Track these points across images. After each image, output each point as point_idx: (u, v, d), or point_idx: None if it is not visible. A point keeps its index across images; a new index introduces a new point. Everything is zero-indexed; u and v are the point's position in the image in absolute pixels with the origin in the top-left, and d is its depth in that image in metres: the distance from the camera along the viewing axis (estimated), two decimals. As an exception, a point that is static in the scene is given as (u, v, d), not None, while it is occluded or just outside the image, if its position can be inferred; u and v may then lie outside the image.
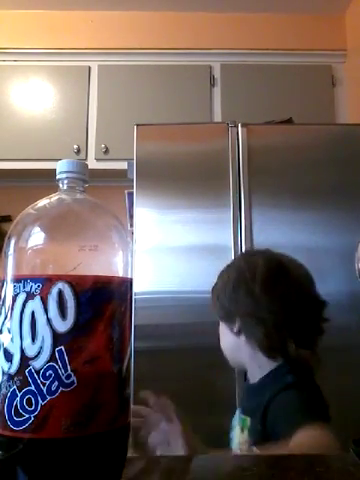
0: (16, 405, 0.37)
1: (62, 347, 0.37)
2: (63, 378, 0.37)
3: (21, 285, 0.39)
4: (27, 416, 0.37)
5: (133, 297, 0.45)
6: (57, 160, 0.47)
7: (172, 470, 0.45)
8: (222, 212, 1.58)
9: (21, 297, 0.39)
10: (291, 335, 0.80)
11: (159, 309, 1.55)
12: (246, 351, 0.84)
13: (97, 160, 2.19)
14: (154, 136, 1.68)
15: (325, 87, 2.31)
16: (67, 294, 0.38)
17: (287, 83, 2.29)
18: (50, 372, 0.37)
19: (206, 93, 2.28)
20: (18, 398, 0.37)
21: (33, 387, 0.37)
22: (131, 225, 1.68)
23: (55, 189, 0.46)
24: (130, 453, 0.42)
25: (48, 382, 0.37)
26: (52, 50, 2.32)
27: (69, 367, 0.37)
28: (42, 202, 0.44)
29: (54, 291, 0.38)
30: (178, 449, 0.65)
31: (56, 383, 0.37)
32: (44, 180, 1.25)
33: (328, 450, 0.65)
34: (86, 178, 0.46)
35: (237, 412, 0.93)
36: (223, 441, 1.11)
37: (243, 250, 1.54)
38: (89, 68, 2.30)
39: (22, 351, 0.38)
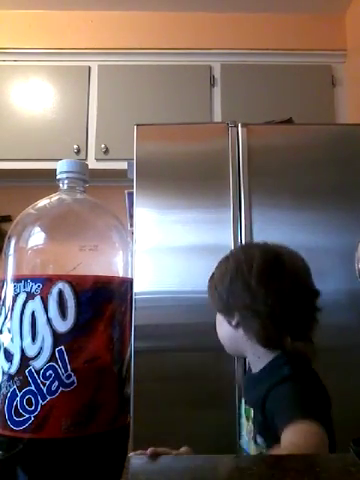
0: (16, 405, 0.37)
1: (62, 347, 0.37)
2: (63, 378, 0.37)
3: (21, 285, 0.39)
4: (27, 416, 0.37)
5: (133, 297, 0.45)
6: (57, 160, 0.47)
7: (172, 470, 0.45)
8: (222, 212, 1.58)
9: (21, 297, 0.39)
10: (287, 327, 0.81)
11: (159, 309, 1.55)
12: (245, 343, 0.85)
13: (97, 160, 2.19)
14: (154, 136, 1.68)
15: (325, 87, 2.30)
16: (67, 294, 0.38)
17: (287, 83, 2.29)
18: (50, 372, 0.37)
19: (206, 93, 2.28)
20: (18, 398, 0.37)
21: (33, 387, 0.37)
22: (131, 225, 1.68)
23: (55, 189, 0.46)
24: (130, 453, 0.42)
25: (48, 382, 0.37)
26: (52, 50, 2.32)
27: (69, 367, 0.37)
28: (42, 202, 0.44)
29: (54, 291, 0.38)
30: None
31: (56, 383, 0.37)
32: (44, 180, 1.25)
33: (315, 448, 0.65)
34: (86, 178, 0.46)
35: (242, 401, 0.94)
36: (223, 440, 1.11)
37: (238, 245, 1.54)
38: (89, 68, 2.30)
39: (22, 351, 0.38)
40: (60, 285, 0.38)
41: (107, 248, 0.43)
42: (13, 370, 0.38)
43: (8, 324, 0.39)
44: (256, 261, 0.84)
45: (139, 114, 2.17)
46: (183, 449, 0.80)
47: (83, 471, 0.37)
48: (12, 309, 0.39)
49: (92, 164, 2.08)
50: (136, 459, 0.48)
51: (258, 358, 0.86)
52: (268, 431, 0.75)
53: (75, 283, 0.39)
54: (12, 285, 0.40)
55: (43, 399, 0.37)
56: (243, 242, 1.56)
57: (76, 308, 0.38)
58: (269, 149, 1.66)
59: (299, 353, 0.81)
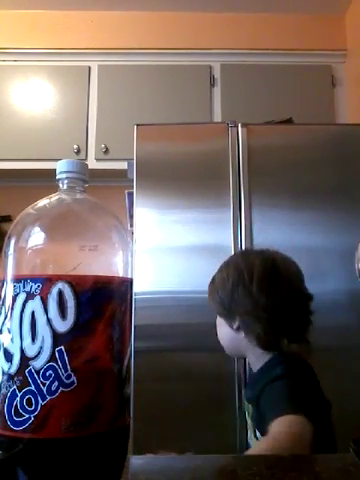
0: (16, 405, 0.37)
1: (62, 347, 0.37)
2: (63, 378, 0.37)
3: (21, 285, 0.39)
4: (27, 416, 0.37)
5: (133, 297, 0.45)
6: (57, 160, 0.47)
7: (172, 470, 0.45)
8: (222, 212, 1.58)
9: (21, 297, 0.39)
10: (284, 330, 0.86)
11: (159, 309, 1.55)
12: (245, 345, 0.90)
13: (97, 160, 2.19)
14: (154, 136, 1.68)
15: (325, 87, 2.30)
16: (67, 294, 0.38)
17: (287, 83, 2.29)
18: (50, 372, 0.37)
19: (206, 93, 2.28)
20: (18, 398, 0.37)
21: (33, 387, 0.37)
22: (131, 225, 1.68)
23: (55, 189, 0.46)
24: (130, 453, 0.42)
25: (48, 382, 0.37)
26: (52, 50, 2.32)
27: (69, 367, 0.37)
28: (42, 202, 0.44)
29: (54, 291, 0.38)
30: None
31: (56, 383, 0.37)
32: (44, 180, 1.25)
33: (298, 436, 0.69)
34: (86, 178, 0.46)
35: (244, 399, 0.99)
36: (223, 440, 1.11)
37: (237, 251, 1.54)
38: (89, 68, 2.30)
39: (22, 351, 0.38)
40: (60, 285, 0.38)
41: (107, 248, 0.43)
42: (13, 370, 0.38)
43: (8, 324, 0.39)
44: (256, 269, 0.88)
45: (139, 114, 2.17)
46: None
47: (83, 471, 0.37)
48: (12, 309, 0.39)
49: (92, 164, 2.08)
50: (136, 459, 0.48)
51: (257, 359, 0.90)
52: (264, 427, 0.78)
53: (75, 283, 0.39)
54: (12, 285, 0.40)
55: (43, 399, 0.37)
56: (243, 242, 1.56)
57: (76, 308, 0.38)
58: (269, 149, 1.66)
59: (294, 354, 0.87)
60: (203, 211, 1.60)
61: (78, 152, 2.18)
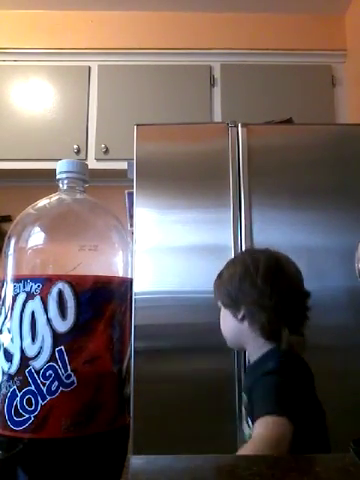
0: (16, 405, 0.37)
1: (62, 347, 0.37)
2: (63, 378, 0.37)
3: (21, 285, 0.39)
4: (27, 416, 0.37)
5: (133, 297, 0.45)
6: (57, 160, 0.47)
7: (172, 470, 0.45)
8: (222, 212, 1.58)
9: (21, 297, 0.39)
10: (286, 321, 0.92)
11: (159, 309, 1.55)
12: (247, 335, 0.95)
13: (97, 160, 2.19)
14: (154, 136, 1.68)
15: (325, 87, 2.31)
16: (67, 294, 0.38)
17: (287, 83, 2.29)
18: (50, 372, 0.37)
19: (206, 93, 2.28)
20: (18, 398, 0.37)
21: (33, 387, 0.37)
22: (131, 225, 1.68)
23: (55, 189, 0.46)
24: (130, 453, 0.42)
25: (48, 382, 0.37)
26: (52, 50, 2.32)
27: (69, 367, 0.37)
28: (42, 202, 0.44)
29: (54, 291, 0.38)
30: None
31: (56, 383, 0.37)
32: (44, 180, 1.25)
33: (276, 436, 0.73)
34: (86, 178, 0.46)
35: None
36: (223, 439, 1.11)
37: (243, 250, 1.55)
38: (89, 68, 2.30)
39: (22, 351, 0.38)
40: (60, 285, 0.38)
41: (107, 248, 0.43)
42: (13, 370, 0.38)
43: (8, 324, 0.39)
44: (262, 264, 0.96)
45: (139, 114, 2.17)
46: None
47: (83, 471, 0.37)
48: (12, 309, 0.39)
49: (92, 164, 2.08)
50: (136, 459, 0.48)
51: (255, 350, 0.96)
52: (253, 418, 0.84)
53: (75, 283, 0.39)
54: (12, 285, 0.40)
55: (43, 399, 0.37)
56: (243, 242, 1.56)
57: (76, 308, 0.38)
58: (269, 149, 1.66)
59: (292, 345, 0.91)
60: (203, 211, 1.60)
61: (78, 152, 2.18)
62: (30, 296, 0.38)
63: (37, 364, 0.37)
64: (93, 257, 0.41)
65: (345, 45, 2.37)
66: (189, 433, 1.45)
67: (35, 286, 0.38)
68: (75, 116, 2.24)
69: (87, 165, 0.47)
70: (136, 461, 0.47)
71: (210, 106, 2.26)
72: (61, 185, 0.46)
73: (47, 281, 0.38)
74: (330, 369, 1.47)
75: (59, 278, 0.39)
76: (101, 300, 0.40)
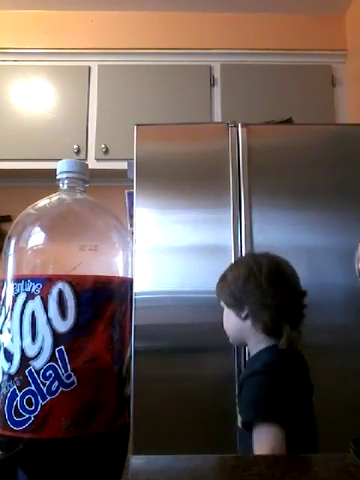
0: (16, 405, 0.37)
1: (62, 347, 0.37)
2: (63, 378, 0.37)
3: (21, 285, 0.39)
4: (27, 416, 0.37)
5: (133, 297, 0.45)
6: (57, 160, 0.47)
7: (172, 470, 0.45)
8: (222, 212, 1.58)
9: (21, 297, 0.39)
10: (287, 318, 1.00)
11: (159, 309, 1.55)
12: (249, 332, 1.02)
13: (97, 160, 2.19)
14: (154, 136, 1.68)
15: (325, 87, 2.31)
16: (67, 294, 0.38)
17: (287, 83, 2.29)
18: (50, 372, 0.37)
19: (206, 93, 2.28)
20: (18, 398, 0.37)
21: (33, 387, 0.37)
22: (131, 225, 1.68)
23: (55, 189, 0.46)
24: (130, 453, 0.43)
25: (48, 382, 0.37)
26: (52, 50, 2.32)
27: (69, 367, 0.37)
28: (42, 202, 0.44)
29: (54, 291, 0.38)
30: None
31: (56, 383, 0.37)
32: (44, 180, 1.25)
33: (272, 452, 0.81)
34: (86, 178, 0.46)
35: None
36: (223, 440, 1.11)
37: (243, 250, 1.55)
38: (89, 68, 2.30)
39: (22, 351, 0.38)
40: (60, 285, 0.38)
41: (107, 248, 0.43)
42: (13, 370, 0.38)
43: (8, 324, 0.39)
44: (265, 267, 1.03)
45: (139, 114, 2.17)
46: None
47: (83, 471, 0.37)
48: (12, 309, 0.39)
49: (92, 164, 2.08)
50: (136, 459, 0.48)
51: (255, 346, 1.03)
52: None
53: (75, 283, 0.39)
54: (12, 285, 0.40)
55: (43, 399, 0.37)
56: (243, 242, 1.56)
57: (76, 308, 0.38)
58: (269, 149, 1.66)
59: (292, 341, 0.98)
60: (203, 211, 1.60)
61: (78, 152, 2.18)
62: (30, 296, 0.38)
63: (37, 364, 0.37)
64: (93, 257, 0.41)
65: (345, 45, 2.37)
66: (189, 433, 1.45)
67: (35, 286, 0.38)
68: (75, 116, 2.24)
69: (87, 165, 0.47)
70: (136, 461, 0.47)
71: (210, 106, 2.26)
72: (61, 185, 0.46)
73: (47, 281, 0.38)
74: (329, 369, 1.47)
75: (59, 278, 0.39)
76: (101, 300, 0.40)
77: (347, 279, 1.52)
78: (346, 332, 1.52)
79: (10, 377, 0.38)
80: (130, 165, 1.71)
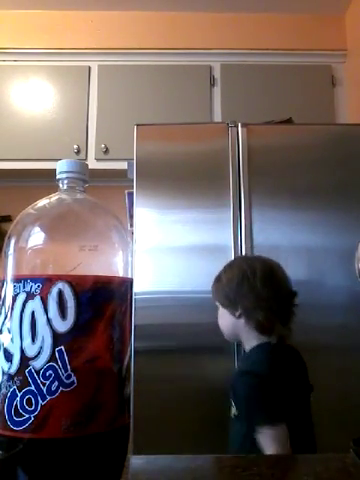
0: (16, 405, 0.37)
1: (62, 347, 0.37)
2: (63, 378, 0.37)
3: (21, 285, 0.39)
4: (27, 416, 0.37)
5: (133, 297, 0.45)
6: (57, 160, 0.47)
7: (172, 470, 0.45)
8: (222, 212, 1.58)
9: (21, 297, 0.39)
10: (279, 317, 1.07)
11: (159, 309, 1.55)
12: (243, 330, 1.09)
13: (97, 160, 2.19)
14: (154, 136, 1.68)
15: (325, 87, 2.31)
16: (67, 294, 0.38)
17: (287, 83, 2.29)
18: (50, 372, 0.37)
19: (206, 93, 2.28)
20: (18, 398, 0.37)
21: (33, 387, 0.37)
22: (131, 225, 1.68)
23: (55, 189, 0.46)
24: (130, 453, 0.42)
25: (48, 382, 0.37)
26: (52, 50, 2.32)
27: (69, 367, 0.37)
28: (42, 202, 0.44)
29: (54, 291, 0.38)
30: None
31: (56, 383, 0.37)
32: (44, 180, 1.25)
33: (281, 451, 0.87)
34: (86, 178, 0.46)
35: None
36: (223, 440, 1.11)
37: (243, 250, 1.55)
38: (89, 68, 2.30)
39: (22, 351, 0.38)
40: (60, 285, 0.38)
41: (107, 248, 0.43)
42: (13, 370, 0.38)
43: (8, 324, 0.39)
44: (258, 269, 1.09)
45: (139, 114, 2.17)
46: None
47: (83, 471, 0.37)
48: (12, 309, 0.39)
49: (92, 164, 2.08)
50: (136, 459, 0.48)
51: (250, 340, 1.09)
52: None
53: (75, 283, 0.39)
54: (12, 285, 0.40)
55: (43, 399, 0.37)
56: (243, 242, 1.56)
57: (76, 308, 0.38)
58: (269, 149, 1.66)
59: (284, 338, 1.07)
60: (203, 211, 1.60)
61: (78, 152, 2.18)
62: (30, 296, 0.38)
63: (37, 364, 0.37)
64: (93, 257, 0.41)
65: (345, 45, 2.37)
66: (189, 433, 1.45)
67: (35, 286, 0.38)
68: (75, 116, 2.24)
69: (87, 165, 0.47)
70: (136, 461, 0.47)
71: (210, 106, 2.26)
72: (61, 185, 0.46)
73: (47, 281, 0.38)
74: (329, 369, 1.47)
75: (59, 278, 0.39)
76: (101, 300, 0.40)
77: (347, 279, 1.52)
78: (346, 332, 1.52)
79: (10, 377, 0.38)
80: (130, 165, 1.71)
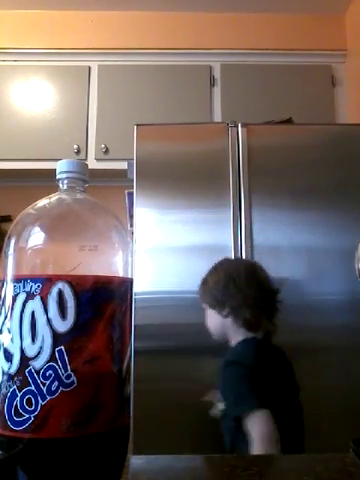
0: (16, 405, 0.37)
1: (62, 347, 0.37)
2: (63, 378, 0.37)
3: (21, 285, 0.39)
4: (27, 416, 0.37)
5: (133, 297, 0.45)
6: (57, 160, 0.47)
7: (172, 470, 0.45)
8: (222, 212, 1.58)
9: (21, 297, 0.39)
10: (264, 313, 1.14)
11: (159, 309, 1.55)
12: (231, 328, 1.14)
13: (97, 160, 2.19)
14: (154, 136, 1.68)
15: (325, 87, 2.31)
16: (67, 294, 0.38)
17: (287, 83, 2.29)
18: (50, 372, 0.37)
19: (206, 93, 2.28)
20: (18, 398, 0.37)
21: (33, 387, 0.37)
22: (131, 225, 1.68)
23: (55, 189, 0.46)
24: (130, 453, 0.42)
25: (48, 382, 0.37)
26: (52, 50, 2.32)
27: (69, 367, 0.37)
28: (42, 202, 0.44)
29: (54, 291, 0.38)
30: None
31: (56, 383, 0.37)
32: (44, 180, 1.25)
33: (267, 434, 0.92)
34: (86, 178, 0.46)
35: None
36: (223, 440, 1.11)
37: (243, 250, 1.55)
38: (89, 68, 2.30)
39: (22, 351, 0.38)
40: (60, 285, 0.38)
41: (107, 248, 0.43)
42: (13, 370, 0.38)
43: (8, 324, 0.39)
44: (243, 271, 1.17)
45: (139, 114, 2.17)
46: None
47: (83, 471, 0.37)
48: (12, 309, 0.39)
49: (92, 164, 2.08)
50: (136, 459, 0.48)
51: (238, 338, 1.13)
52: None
53: (75, 283, 0.39)
54: (12, 285, 0.40)
55: (43, 399, 0.37)
56: (243, 242, 1.56)
57: (76, 308, 0.38)
58: (269, 149, 1.66)
59: (270, 334, 1.12)
60: (203, 211, 1.60)
61: (78, 152, 2.18)
62: (30, 296, 0.38)
63: (37, 364, 0.37)
64: (93, 257, 0.41)
65: (345, 45, 2.37)
66: (189, 433, 1.45)
67: (35, 286, 0.38)
68: (75, 116, 2.24)
69: (87, 165, 0.47)
70: (136, 461, 0.47)
71: (210, 106, 2.26)
72: (61, 185, 0.46)
73: (47, 281, 0.38)
74: (330, 369, 1.47)
75: (59, 278, 0.39)
76: (101, 300, 0.40)
77: (347, 279, 1.52)
78: (346, 332, 1.52)
79: (10, 377, 0.38)
80: (130, 165, 1.71)
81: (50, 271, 0.40)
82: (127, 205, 1.97)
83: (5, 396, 0.38)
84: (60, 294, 0.38)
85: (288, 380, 1.11)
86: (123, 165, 1.86)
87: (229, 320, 1.14)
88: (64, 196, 0.45)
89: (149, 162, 1.63)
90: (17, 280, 0.39)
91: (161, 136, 1.68)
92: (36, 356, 0.37)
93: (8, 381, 0.38)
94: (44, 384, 0.37)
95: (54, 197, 0.45)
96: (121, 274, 0.43)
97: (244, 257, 1.54)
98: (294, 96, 2.26)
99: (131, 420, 0.42)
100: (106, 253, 0.43)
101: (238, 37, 2.37)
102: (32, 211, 0.43)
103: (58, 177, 0.46)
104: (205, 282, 1.20)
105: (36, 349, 0.37)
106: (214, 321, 1.18)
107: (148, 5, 2.33)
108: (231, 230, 1.56)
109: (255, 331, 1.12)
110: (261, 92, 2.27)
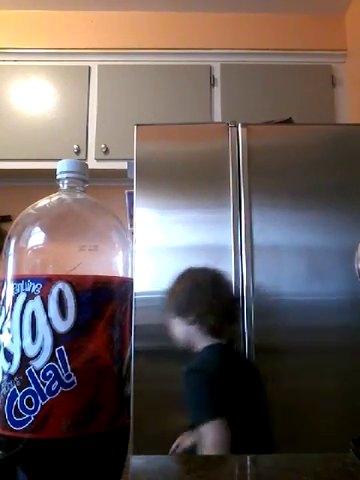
0: (16, 405, 0.37)
1: (62, 347, 0.37)
2: (63, 378, 0.37)
3: (21, 285, 0.39)
4: (27, 416, 0.37)
5: (133, 297, 0.45)
6: (57, 160, 0.47)
7: (172, 470, 0.45)
8: (222, 212, 1.58)
9: (21, 297, 0.39)
10: (227, 320, 1.22)
11: (159, 309, 1.55)
12: (196, 335, 1.18)
13: (97, 160, 2.19)
14: (154, 136, 1.68)
15: (325, 87, 2.31)
16: (67, 294, 0.38)
17: (287, 83, 2.29)
18: (50, 372, 0.37)
19: (206, 93, 2.28)
20: (18, 398, 0.37)
21: (33, 387, 0.37)
22: (131, 225, 1.68)
23: (55, 189, 0.46)
24: (130, 453, 0.42)
25: (48, 382, 0.37)
26: (52, 50, 2.32)
27: (69, 367, 0.37)
28: (42, 202, 0.44)
29: (54, 291, 0.38)
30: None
31: (56, 383, 0.37)
32: (44, 180, 1.25)
33: (220, 443, 0.96)
34: (86, 178, 0.46)
35: None
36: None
37: (243, 250, 1.55)
38: (89, 68, 2.30)
39: (22, 351, 0.38)
40: (60, 285, 0.38)
41: (107, 248, 0.43)
42: (13, 370, 0.38)
43: (8, 324, 0.39)
44: (208, 279, 1.23)
45: (139, 114, 2.17)
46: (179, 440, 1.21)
47: (83, 471, 0.37)
48: (12, 309, 0.39)
49: (92, 164, 2.08)
50: (136, 459, 0.48)
51: (203, 344, 1.17)
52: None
53: (75, 283, 0.39)
54: (12, 285, 0.40)
55: (43, 399, 0.37)
56: (243, 242, 1.56)
57: (76, 308, 0.38)
58: (269, 149, 1.66)
59: (233, 341, 1.23)
60: (203, 211, 1.60)
61: (78, 152, 2.18)
62: (30, 296, 0.38)
63: (37, 364, 0.37)
64: (93, 257, 0.41)
65: (345, 45, 2.37)
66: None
67: (35, 286, 0.38)
68: (75, 116, 2.24)
69: (87, 165, 0.47)
70: (136, 461, 0.47)
71: (210, 106, 2.26)
72: (61, 185, 0.46)
73: (47, 281, 0.38)
74: (330, 369, 1.47)
75: (59, 278, 0.39)
76: (101, 300, 0.40)
77: (347, 279, 1.52)
78: (346, 332, 1.52)
79: (10, 377, 0.38)
80: (130, 165, 1.71)
81: (50, 271, 0.40)
82: (127, 205, 1.97)
83: (5, 396, 0.38)
84: (60, 294, 0.38)
85: (251, 382, 1.16)
86: (123, 165, 1.86)
87: (194, 327, 1.18)
88: (64, 196, 0.45)
89: (149, 162, 1.63)
90: (17, 280, 0.39)
91: (161, 136, 1.68)
92: (36, 356, 0.37)
93: (8, 381, 0.38)
94: (44, 384, 0.37)
95: (54, 197, 0.45)
96: (121, 274, 0.43)
97: (244, 257, 1.54)
98: (294, 96, 2.26)
99: (131, 420, 0.42)
100: (106, 253, 0.43)
101: (238, 37, 2.37)
102: (32, 211, 0.43)
103: (58, 177, 0.46)
104: (172, 290, 1.26)
105: (36, 349, 0.37)
106: (179, 329, 1.23)
107: (148, 5, 2.33)
108: (231, 230, 1.56)
109: (220, 337, 1.17)
110: (261, 92, 2.27)
